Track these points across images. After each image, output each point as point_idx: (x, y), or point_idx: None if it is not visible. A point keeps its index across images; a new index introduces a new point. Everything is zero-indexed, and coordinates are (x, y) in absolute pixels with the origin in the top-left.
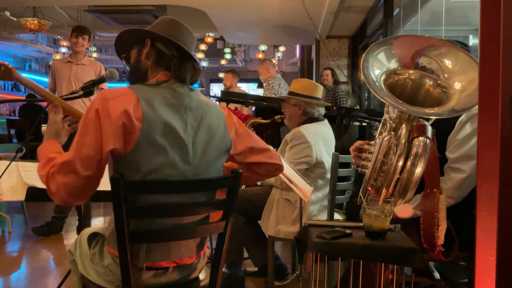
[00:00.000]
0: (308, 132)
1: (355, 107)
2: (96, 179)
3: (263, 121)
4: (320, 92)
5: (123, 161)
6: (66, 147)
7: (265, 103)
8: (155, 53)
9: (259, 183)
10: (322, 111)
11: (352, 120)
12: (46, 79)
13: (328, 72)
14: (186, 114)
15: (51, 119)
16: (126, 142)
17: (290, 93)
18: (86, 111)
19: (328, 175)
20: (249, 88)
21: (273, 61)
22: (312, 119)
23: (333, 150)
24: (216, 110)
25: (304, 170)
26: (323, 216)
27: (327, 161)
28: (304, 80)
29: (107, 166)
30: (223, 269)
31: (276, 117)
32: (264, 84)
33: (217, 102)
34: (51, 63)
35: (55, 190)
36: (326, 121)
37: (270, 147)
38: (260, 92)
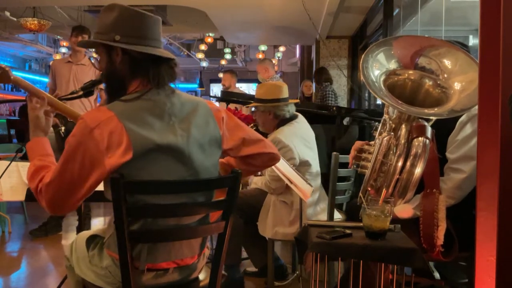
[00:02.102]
0: (285, 135)
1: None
2: (82, 195)
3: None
4: (285, 91)
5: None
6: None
7: None
8: (129, 60)
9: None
10: (293, 109)
11: (352, 120)
12: (46, 79)
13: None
14: (172, 120)
15: (35, 113)
16: (119, 162)
17: (256, 100)
18: (71, 135)
19: (314, 170)
20: (249, 88)
21: (273, 61)
22: (285, 120)
23: (314, 144)
24: (202, 108)
25: None
26: (322, 217)
27: (312, 158)
28: (266, 84)
29: None
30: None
31: (250, 125)
32: None
33: (215, 101)
34: (51, 63)
35: (45, 205)
36: (300, 116)
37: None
38: None
